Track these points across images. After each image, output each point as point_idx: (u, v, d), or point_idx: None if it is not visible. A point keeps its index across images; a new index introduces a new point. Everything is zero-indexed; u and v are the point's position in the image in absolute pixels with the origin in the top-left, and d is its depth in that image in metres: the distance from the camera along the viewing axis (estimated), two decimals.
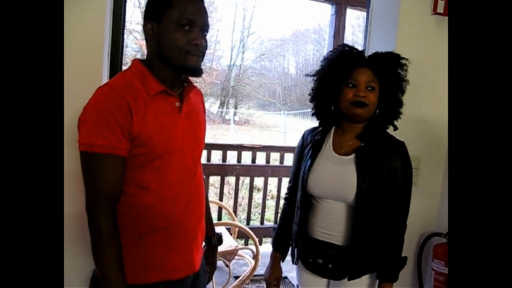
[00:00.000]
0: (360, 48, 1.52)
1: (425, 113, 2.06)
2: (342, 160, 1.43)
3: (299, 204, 1.49)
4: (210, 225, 1.49)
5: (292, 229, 1.54)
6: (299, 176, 1.52)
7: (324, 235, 1.42)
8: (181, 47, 1.15)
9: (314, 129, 1.58)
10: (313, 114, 1.56)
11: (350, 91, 1.41)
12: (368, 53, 1.64)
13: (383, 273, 1.40)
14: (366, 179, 1.37)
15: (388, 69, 1.44)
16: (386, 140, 1.45)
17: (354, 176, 1.38)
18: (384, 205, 1.39)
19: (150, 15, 1.18)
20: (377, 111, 1.45)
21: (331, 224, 1.42)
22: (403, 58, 1.46)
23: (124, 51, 1.83)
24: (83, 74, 1.58)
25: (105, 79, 1.67)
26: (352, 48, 1.49)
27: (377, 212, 1.38)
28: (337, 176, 1.41)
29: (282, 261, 1.64)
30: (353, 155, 1.42)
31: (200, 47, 1.17)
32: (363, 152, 1.41)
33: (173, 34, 1.14)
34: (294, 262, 1.54)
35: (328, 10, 3.88)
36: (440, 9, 1.99)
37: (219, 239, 1.52)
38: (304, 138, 1.59)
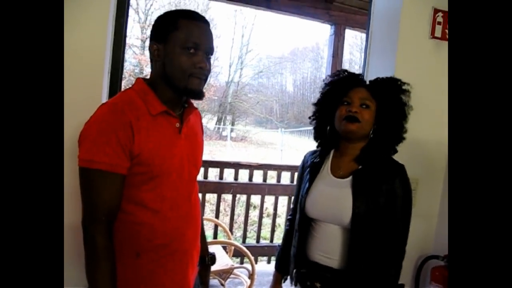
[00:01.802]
0: (358, 70, 1.53)
1: (422, 135, 2.06)
2: (339, 183, 1.42)
3: (297, 227, 1.49)
4: (203, 244, 1.48)
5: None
6: None
7: (322, 258, 1.41)
8: (185, 69, 1.16)
9: (315, 151, 1.58)
10: (314, 138, 1.56)
11: (344, 108, 1.42)
12: (367, 75, 1.65)
13: None
14: (362, 202, 1.35)
15: (388, 93, 1.44)
16: (385, 163, 1.43)
17: (350, 199, 1.37)
18: (381, 229, 1.37)
19: (156, 37, 1.19)
20: (372, 130, 1.44)
21: (328, 247, 1.40)
22: (404, 84, 1.46)
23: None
24: (84, 90, 1.59)
25: (104, 95, 1.68)
26: (351, 73, 1.51)
27: (374, 236, 1.36)
28: (333, 199, 1.40)
29: (283, 282, 1.63)
30: (350, 178, 1.41)
31: (204, 70, 1.19)
32: (360, 175, 1.40)
33: (178, 56, 1.15)
34: (292, 284, 1.52)
35: (326, 29, 3.93)
36: (438, 33, 2.03)
37: (212, 259, 1.52)
38: (305, 160, 1.59)
